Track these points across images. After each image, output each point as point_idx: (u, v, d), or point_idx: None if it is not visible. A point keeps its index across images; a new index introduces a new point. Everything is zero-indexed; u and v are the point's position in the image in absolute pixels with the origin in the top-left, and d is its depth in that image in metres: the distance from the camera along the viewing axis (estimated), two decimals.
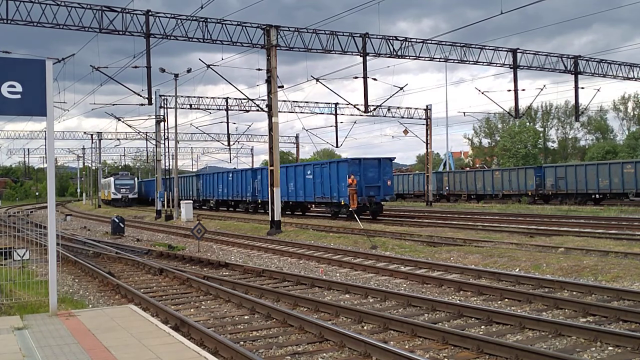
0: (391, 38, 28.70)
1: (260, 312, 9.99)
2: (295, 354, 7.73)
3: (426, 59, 29.85)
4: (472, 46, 30.57)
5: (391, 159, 33.56)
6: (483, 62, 30.99)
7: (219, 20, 25.47)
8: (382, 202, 32.45)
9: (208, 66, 28.04)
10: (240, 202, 45.15)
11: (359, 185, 29.64)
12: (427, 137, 51.00)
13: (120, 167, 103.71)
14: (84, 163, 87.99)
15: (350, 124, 51.38)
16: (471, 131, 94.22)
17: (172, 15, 24.84)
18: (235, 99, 44.93)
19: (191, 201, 41.82)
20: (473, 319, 9.29)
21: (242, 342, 8.19)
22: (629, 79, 35.23)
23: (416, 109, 50.89)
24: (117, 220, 29.59)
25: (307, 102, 48.96)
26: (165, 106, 43.60)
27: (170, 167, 45.06)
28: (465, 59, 30.53)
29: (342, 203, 31.05)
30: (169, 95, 43.08)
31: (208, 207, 50.79)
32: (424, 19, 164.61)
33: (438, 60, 30.57)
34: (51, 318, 8.70)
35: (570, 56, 33.58)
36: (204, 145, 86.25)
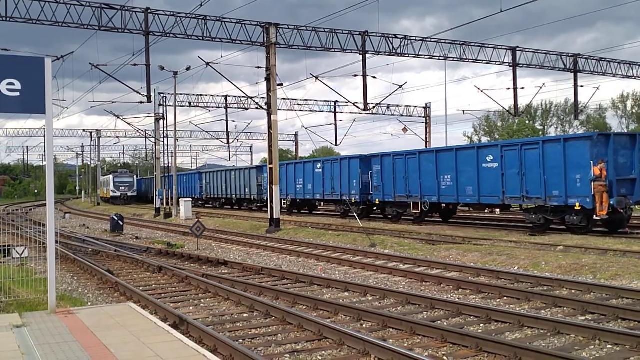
0: (390, 36, 28.69)
1: (259, 310, 10.00)
2: (294, 352, 7.73)
3: (426, 57, 29.87)
4: (472, 44, 30.56)
5: None
6: (482, 61, 31.00)
7: (218, 18, 25.46)
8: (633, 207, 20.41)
9: (207, 64, 28.02)
10: (337, 203, 33.13)
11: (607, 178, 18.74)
12: (426, 135, 51.01)
13: (119, 164, 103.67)
14: (83, 161, 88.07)
15: (351, 122, 50.94)
16: (471, 129, 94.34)
17: (172, 13, 24.83)
18: (235, 96, 44.96)
19: (189, 199, 41.56)
20: (472, 317, 9.29)
21: (241, 340, 8.20)
22: (628, 77, 35.28)
23: (415, 107, 50.91)
24: (116, 218, 29.61)
25: (306, 100, 49.01)
26: (164, 104, 43.64)
27: (170, 165, 45.09)
28: (464, 57, 30.52)
29: (577, 207, 19.21)
30: (169, 93, 43.15)
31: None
32: (428, 17, 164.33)
33: (437, 58, 30.56)
34: (50, 316, 8.70)
35: (569, 54, 33.61)
36: (204, 143, 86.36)
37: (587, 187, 18.89)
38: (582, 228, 19.72)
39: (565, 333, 8.12)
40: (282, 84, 27.02)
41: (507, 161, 21.78)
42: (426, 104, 51.18)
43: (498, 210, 26.53)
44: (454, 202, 24.88)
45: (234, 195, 45.69)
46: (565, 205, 19.78)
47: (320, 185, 33.46)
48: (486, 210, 27.95)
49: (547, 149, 20.41)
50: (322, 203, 36.63)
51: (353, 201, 30.50)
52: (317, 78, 29.76)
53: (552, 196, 20.12)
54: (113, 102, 41.69)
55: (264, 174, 39.19)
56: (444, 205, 25.88)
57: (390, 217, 28.84)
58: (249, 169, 44.57)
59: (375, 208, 30.45)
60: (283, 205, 36.74)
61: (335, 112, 49.88)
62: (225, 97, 44.95)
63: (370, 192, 29.37)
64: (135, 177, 75.15)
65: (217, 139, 60.15)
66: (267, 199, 39.14)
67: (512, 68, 32.03)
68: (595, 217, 19.17)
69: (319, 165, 33.98)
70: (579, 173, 19.24)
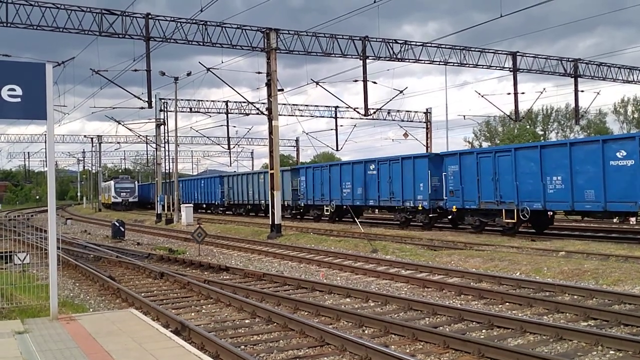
0: (391, 41, 28.74)
1: (261, 316, 9.98)
2: (296, 358, 7.71)
3: (426, 62, 29.91)
4: (472, 49, 30.61)
5: None
6: (483, 66, 31.05)
7: (218, 24, 25.52)
8: None
9: (208, 69, 28.10)
10: (397, 210, 28.17)
11: None
12: (427, 140, 51.04)
13: (120, 170, 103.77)
14: (84, 166, 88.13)
15: (351, 127, 51.05)
16: (471, 134, 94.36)
17: (172, 19, 24.90)
18: (236, 102, 45.05)
19: (190, 205, 41.40)
20: (474, 323, 9.28)
21: (242, 346, 8.19)
22: (629, 82, 35.31)
23: (416, 112, 50.96)
24: (117, 224, 29.59)
25: (307, 105, 49.06)
26: (165, 109, 43.68)
27: (171, 171, 45.10)
28: (465, 62, 30.56)
29: None
30: (170, 99, 43.21)
31: (314, 217, 34.86)
32: (430, 22, 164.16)
33: (437, 63, 30.61)
34: (52, 322, 8.69)
35: (570, 59, 33.66)
36: (205, 148, 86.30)
37: None
38: None
39: (568, 339, 8.10)
40: (282, 89, 27.12)
41: None
42: (427, 109, 51.25)
43: (633, 219, 21.21)
44: (568, 209, 20.39)
45: (262, 201, 40.79)
46: None
47: (374, 190, 28.55)
48: (615, 220, 22.47)
49: None
50: (377, 210, 31.71)
51: (420, 208, 25.96)
52: (317, 83, 29.81)
53: None
54: (114, 108, 41.74)
55: (299, 177, 35.65)
56: (550, 213, 21.79)
57: (471, 227, 24.01)
58: (282, 172, 36.12)
59: (449, 217, 25.60)
60: (325, 212, 33.37)
61: (336, 118, 49.95)
62: (226, 102, 45.05)
63: (444, 197, 24.61)
64: (136, 182, 75.27)
65: (218, 144, 60.24)
66: (305, 205, 35.93)
67: (512, 73, 32.11)
68: None
69: (372, 166, 28.89)
70: None
